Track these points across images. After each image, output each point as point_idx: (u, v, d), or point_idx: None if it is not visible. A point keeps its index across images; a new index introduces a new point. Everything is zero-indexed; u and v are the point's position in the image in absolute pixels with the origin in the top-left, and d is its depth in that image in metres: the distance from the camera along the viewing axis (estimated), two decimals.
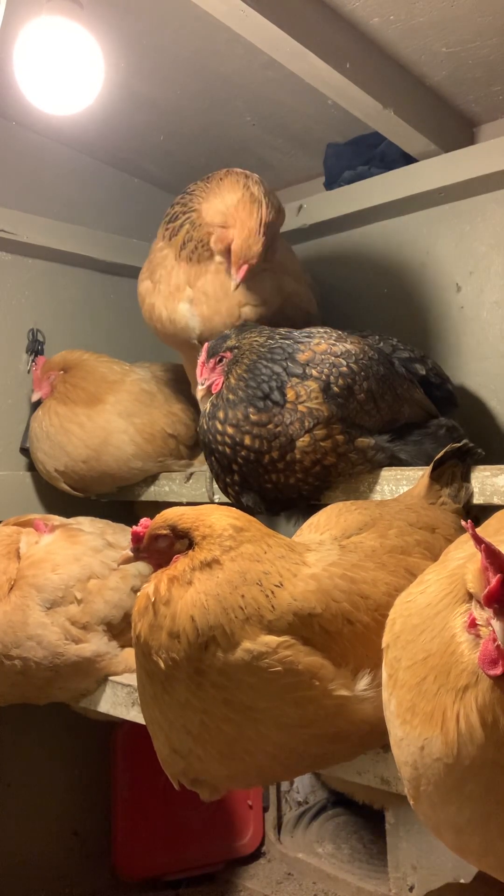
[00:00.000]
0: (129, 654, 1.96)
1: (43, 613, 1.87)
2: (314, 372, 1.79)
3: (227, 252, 2.01)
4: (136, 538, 1.34)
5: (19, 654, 1.84)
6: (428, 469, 1.70)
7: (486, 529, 1.28)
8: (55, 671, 1.88)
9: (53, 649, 1.86)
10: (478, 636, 0.95)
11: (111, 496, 2.50)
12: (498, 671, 0.91)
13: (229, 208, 1.99)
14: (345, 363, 1.82)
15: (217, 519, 1.30)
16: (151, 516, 1.36)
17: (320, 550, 1.38)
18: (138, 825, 2.69)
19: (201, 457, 2.32)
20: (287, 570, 1.27)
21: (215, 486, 2.06)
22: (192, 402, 2.46)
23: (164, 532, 1.30)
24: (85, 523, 2.19)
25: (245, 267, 1.96)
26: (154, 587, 1.26)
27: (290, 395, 1.77)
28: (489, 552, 0.92)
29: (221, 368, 1.86)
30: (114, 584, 1.99)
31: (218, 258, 2.04)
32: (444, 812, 0.99)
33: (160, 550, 1.31)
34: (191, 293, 2.07)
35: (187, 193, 2.13)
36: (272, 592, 1.23)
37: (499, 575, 0.90)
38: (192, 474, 2.32)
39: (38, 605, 1.87)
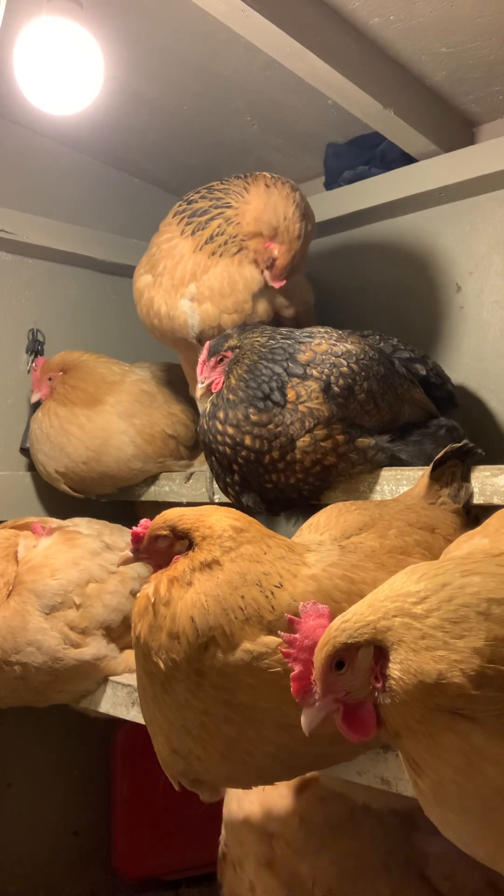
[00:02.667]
0: (128, 656, 1.95)
1: (42, 619, 1.86)
2: (315, 372, 1.79)
3: (264, 262, 2.02)
4: (136, 539, 1.33)
5: (19, 660, 1.84)
6: (428, 469, 1.69)
7: (487, 529, 1.28)
8: (54, 675, 1.87)
9: (53, 654, 1.85)
10: None
11: (111, 497, 2.50)
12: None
13: (280, 223, 1.98)
14: (345, 363, 1.82)
15: (217, 520, 1.30)
16: (151, 517, 1.35)
17: (320, 551, 1.38)
18: (138, 825, 2.69)
19: (201, 457, 2.32)
20: (287, 570, 1.27)
21: (215, 486, 2.06)
22: (191, 403, 2.45)
23: (164, 533, 1.30)
24: (82, 525, 2.18)
25: (283, 281, 2.01)
26: (154, 588, 1.26)
27: (291, 395, 1.77)
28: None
29: (222, 368, 1.86)
30: (112, 587, 1.98)
31: (239, 254, 2.04)
32: (455, 822, 0.99)
33: (160, 551, 1.31)
34: (194, 290, 2.06)
35: (217, 190, 2.11)
36: (272, 593, 1.23)
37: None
38: (192, 474, 2.32)
39: (37, 610, 1.87)
